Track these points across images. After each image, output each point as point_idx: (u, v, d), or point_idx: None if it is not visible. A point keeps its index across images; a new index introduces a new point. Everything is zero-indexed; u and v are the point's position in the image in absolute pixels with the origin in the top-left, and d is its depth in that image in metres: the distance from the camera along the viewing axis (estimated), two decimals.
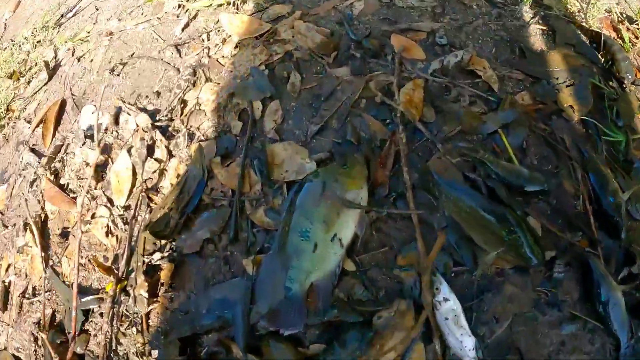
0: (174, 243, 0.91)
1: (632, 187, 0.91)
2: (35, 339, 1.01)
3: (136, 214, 0.97)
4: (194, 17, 1.29)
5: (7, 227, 1.17)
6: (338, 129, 0.95)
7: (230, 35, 1.17)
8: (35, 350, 1.01)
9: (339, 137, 0.94)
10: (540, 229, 0.86)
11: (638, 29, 1.22)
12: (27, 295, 1.05)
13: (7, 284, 1.09)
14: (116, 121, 1.13)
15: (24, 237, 1.10)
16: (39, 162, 1.19)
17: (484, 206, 0.84)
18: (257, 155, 0.90)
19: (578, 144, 0.97)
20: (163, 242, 0.92)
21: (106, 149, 1.10)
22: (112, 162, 1.07)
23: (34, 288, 1.05)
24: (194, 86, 1.11)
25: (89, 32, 1.50)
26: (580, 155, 0.96)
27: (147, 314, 0.89)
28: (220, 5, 1.29)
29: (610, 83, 1.09)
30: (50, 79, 1.42)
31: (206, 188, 0.93)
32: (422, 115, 0.96)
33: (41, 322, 1.00)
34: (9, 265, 1.10)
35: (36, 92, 1.43)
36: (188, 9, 1.32)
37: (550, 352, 0.79)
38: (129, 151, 1.05)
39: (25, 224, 1.11)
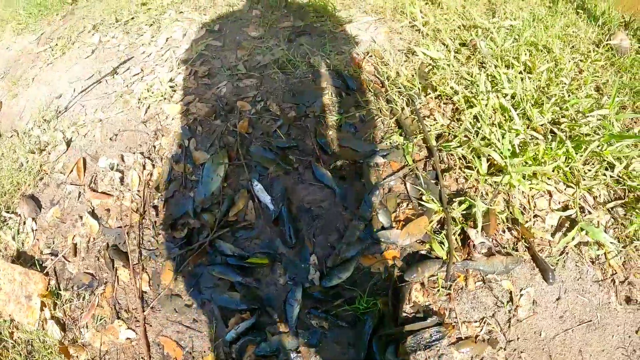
0: None
1: None
2: None
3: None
4: (149, 107, 2.60)
5: (65, 222, 2.33)
6: None
7: (169, 115, 2.51)
8: None
9: None
10: None
11: None
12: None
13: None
14: (123, 160, 2.38)
15: (82, 225, 2.27)
16: (79, 186, 2.38)
17: None
18: None
19: None
20: None
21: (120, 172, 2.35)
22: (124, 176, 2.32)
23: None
24: (156, 139, 2.41)
25: (84, 121, 2.72)
26: None
27: None
28: (160, 100, 2.62)
29: None
30: (68, 148, 2.61)
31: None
32: None
33: None
34: (74, 236, 2.25)
35: (59, 157, 2.60)
36: (144, 103, 2.62)
37: None
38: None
39: (80, 216, 2.28)
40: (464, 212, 1.88)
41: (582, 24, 2.95)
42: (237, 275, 1.82)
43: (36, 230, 2.31)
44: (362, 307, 1.70)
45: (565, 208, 1.89)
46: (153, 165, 2.28)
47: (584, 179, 1.92)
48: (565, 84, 2.34)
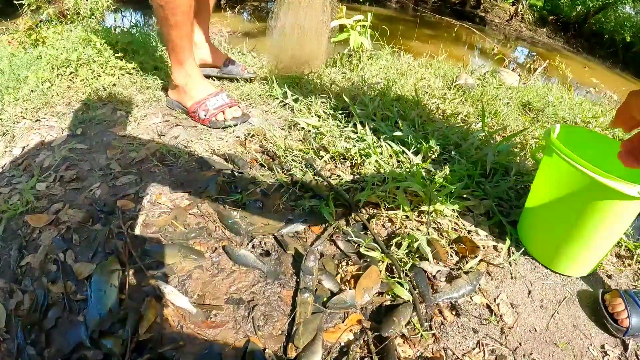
0: None
1: None
2: None
3: None
4: (7, 222, 2.26)
5: None
6: None
7: (34, 228, 2.21)
8: None
9: None
10: None
11: None
12: None
13: None
14: None
15: None
16: None
17: None
18: None
19: None
20: None
21: None
22: None
23: None
24: (22, 259, 2.08)
25: None
26: None
27: None
28: (20, 212, 2.30)
29: None
30: None
31: None
32: None
33: None
34: None
35: None
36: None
37: None
38: None
39: None
40: (407, 250, 1.95)
41: (431, 76, 3.74)
42: None
43: None
44: None
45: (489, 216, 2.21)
46: (22, 292, 1.94)
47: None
48: (437, 122, 2.94)
